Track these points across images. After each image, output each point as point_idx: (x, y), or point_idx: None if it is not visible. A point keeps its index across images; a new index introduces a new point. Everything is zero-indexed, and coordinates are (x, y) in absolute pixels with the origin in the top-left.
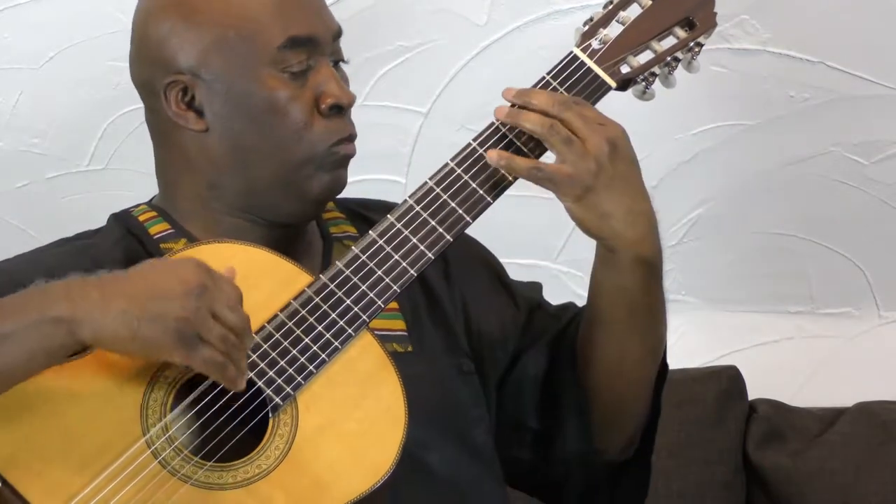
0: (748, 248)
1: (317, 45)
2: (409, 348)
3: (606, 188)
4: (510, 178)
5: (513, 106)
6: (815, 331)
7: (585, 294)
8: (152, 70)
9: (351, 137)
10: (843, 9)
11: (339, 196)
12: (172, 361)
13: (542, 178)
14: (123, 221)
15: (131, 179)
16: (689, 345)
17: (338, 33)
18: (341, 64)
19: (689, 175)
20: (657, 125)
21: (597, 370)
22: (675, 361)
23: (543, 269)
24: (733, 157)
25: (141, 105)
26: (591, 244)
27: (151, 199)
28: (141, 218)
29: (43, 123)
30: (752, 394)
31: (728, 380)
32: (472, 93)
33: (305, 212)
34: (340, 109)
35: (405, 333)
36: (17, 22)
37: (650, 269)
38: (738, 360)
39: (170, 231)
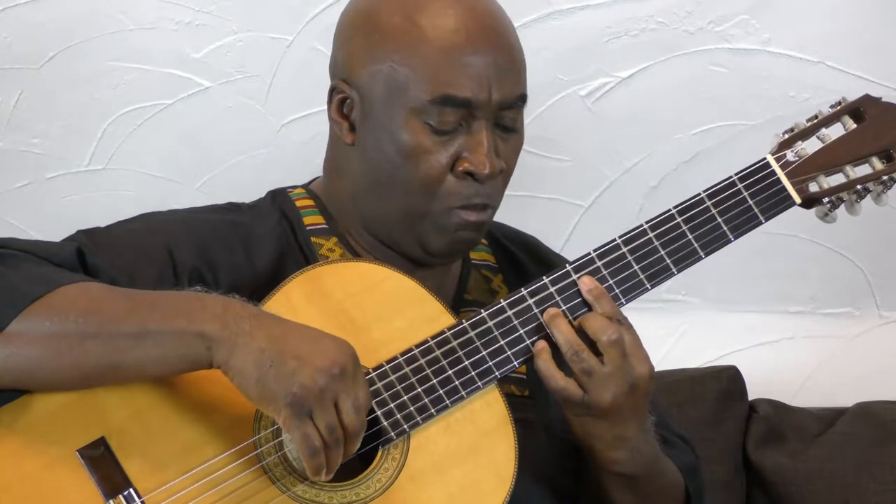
0: (748, 248)
1: (474, 108)
2: (526, 392)
3: (606, 418)
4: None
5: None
6: (815, 331)
7: None
8: (333, 65)
9: (479, 206)
10: (843, 9)
11: None
12: (275, 419)
13: (546, 382)
14: (280, 203)
15: (131, 179)
16: (689, 345)
17: (509, 102)
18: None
19: (689, 175)
20: (657, 125)
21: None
22: (675, 361)
23: None
24: (733, 157)
25: (140, 105)
26: (591, 244)
27: (310, 183)
28: (298, 204)
29: (43, 123)
30: (752, 394)
31: (728, 380)
32: None
33: (427, 259)
34: (475, 177)
35: (524, 377)
36: (17, 22)
37: (627, 479)
38: (738, 360)
39: (323, 226)
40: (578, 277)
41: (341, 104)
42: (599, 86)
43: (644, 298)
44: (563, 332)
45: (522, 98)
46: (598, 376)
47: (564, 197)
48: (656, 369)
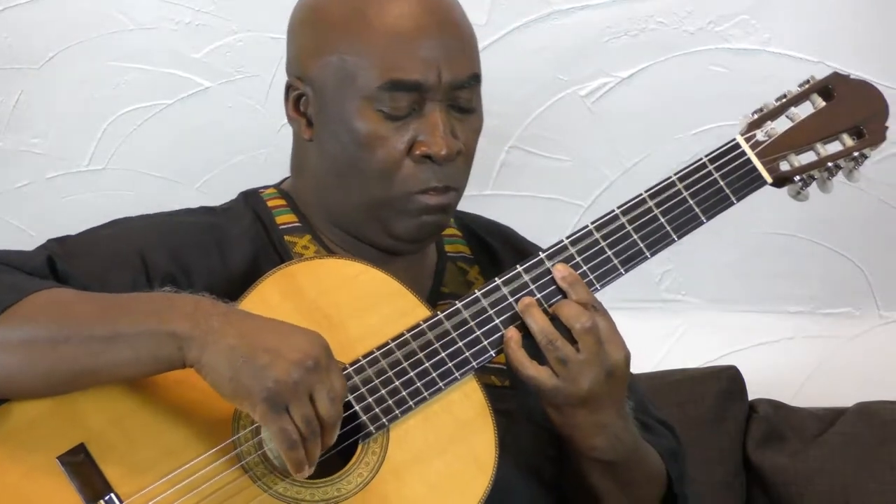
0: (748, 248)
1: (425, 91)
2: (507, 383)
3: (583, 405)
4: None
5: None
6: (815, 331)
7: None
8: (287, 64)
9: (439, 189)
10: (843, 9)
11: (457, 211)
12: (252, 416)
13: (516, 372)
14: (253, 203)
15: (131, 179)
16: (689, 345)
17: (460, 82)
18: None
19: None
20: (657, 125)
21: (581, 499)
22: (675, 361)
23: None
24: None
25: (140, 105)
26: None
27: (281, 183)
28: (270, 204)
29: (43, 123)
30: (752, 394)
31: (728, 380)
32: None
33: (396, 247)
34: (433, 159)
35: (504, 367)
36: (17, 22)
37: (606, 465)
38: (738, 360)
39: (296, 224)
40: (552, 265)
41: (297, 101)
42: (599, 86)
43: (644, 298)
44: (537, 322)
45: (475, 77)
46: (573, 364)
47: (564, 197)
48: (656, 369)
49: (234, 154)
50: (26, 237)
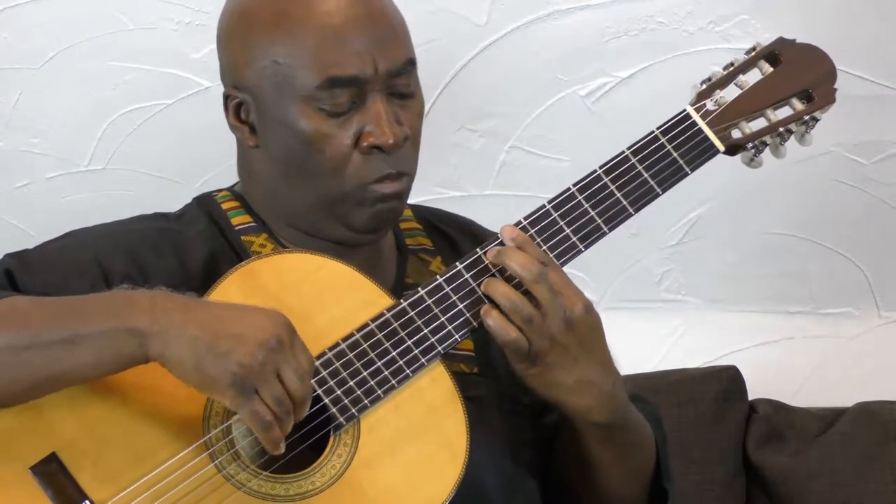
0: (748, 248)
1: (363, 83)
2: (475, 370)
3: (556, 362)
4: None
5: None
6: (815, 331)
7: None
8: (222, 74)
9: (392, 175)
10: (843, 9)
11: (415, 205)
12: (223, 402)
13: (499, 338)
14: (206, 207)
15: (131, 179)
16: (689, 345)
17: (397, 70)
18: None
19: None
20: (657, 125)
21: (574, 475)
22: (675, 361)
23: None
24: (734, 157)
25: (140, 105)
26: None
27: (233, 186)
28: (224, 206)
29: (43, 123)
30: (752, 394)
31: (728, 380)
32: (472, 93)
33: (356, 238)
34: (381, 149)
35: (472, 354)
36: (17, 22)
37: (605, 430)
38: (738, 360)
39: (252, 224)
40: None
41: (237, 109)
42: (599, 86)
43: (644, 298)
44: (499, 289)
45: (411, 62)
46: (536, 319)
47: None
48: (656, 369)
49: (234, 154)
50: (26, 237)
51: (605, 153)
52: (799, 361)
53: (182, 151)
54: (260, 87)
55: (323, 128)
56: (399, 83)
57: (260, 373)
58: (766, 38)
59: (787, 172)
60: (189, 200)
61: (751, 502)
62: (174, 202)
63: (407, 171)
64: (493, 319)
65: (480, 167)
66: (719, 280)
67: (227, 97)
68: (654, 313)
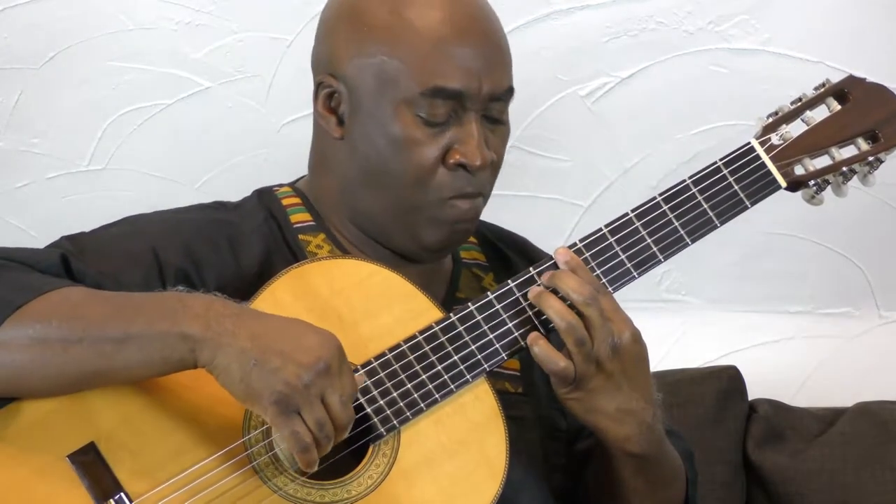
0: (748, 248)
1: (464, 100)
2: (520, 390)
3: (599, 388)
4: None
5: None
6: (815, 331)
7: None
8: (317, 60)
9: (470, 195)
10: (843, 9)
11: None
12: (263, 417)
13: (546, 366)
14: (266, 201)
15: (131, 179)
16: (689, 345)
17: (499, 95)
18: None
19: (688, 175)
20: (657, 125)
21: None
22: (675, 361)
23: None
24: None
25: (140, 105)
26: None
27: (296, 181)
28: (284, 202)
29: (43, 123)
30: (752, 394)
31: (728, 380)
32: None
33: (419, 255)
34: (467, 168)
35: (517, 374)
36: (17, 22)
37: (639, 461)
38: (738, 360)
39: (310, 223)
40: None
41: (328, 98)
42: (599, 86)
43: (644, 298)
44: (553, 306)
45: (510, 90)
46: (586, 346)
47: (564, 197)
48: (656, 369)
49: (234, 154)
50: (26, 237)
51: (605, 153)
52: (799, 361)
53: (182, 151)
54: (359, 81)
55: (416, 134)
56: (495, 108)
57: (305, 394)
58: (765, 38)
59: None
60: (189, 200)
61: (751, 502)
62: (174, 202)
63: (484, 194)
64: (539, 348)
65: None
66: (719, 280)
67: (319, 84)
68: (654, 313)
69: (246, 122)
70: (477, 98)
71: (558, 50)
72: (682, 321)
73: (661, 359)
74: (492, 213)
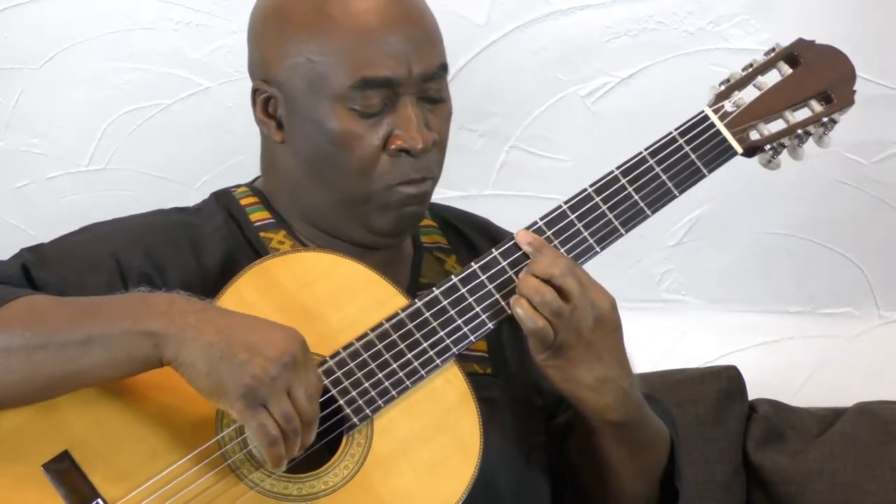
0: (748, 248)
1: (396, 86)
2: (489, 370)
3: (579, 357)
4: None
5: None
6: (815, 331)
7: None
8: (251, 66)
9: (415, 180)
10: (843, 9)
11: (431, 203)
12: (229, 413)
13: (526, 326)
14: (224, 202)
15: (131, 179)
16: (689, 345)
17: (430, 74)
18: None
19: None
20: (657, 125)
21: (586, 474)
22: (675, 361)
23: None
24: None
25: (140, 105)
26: None
27: (254, 181)
28: (243, 202)
29: (43, 123)
30: (752, 394)
31: (728, 380)
32: (472, 93)
33: (376, 241)
34: (409, 153)
35: (486, 355)
36: (17, 22)
37: (620, 428)
38: (738, 360)
39: (270, 220)
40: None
41: (265, 104)
42: (599, 86)
43: (644, 298)
44: (530, 285)
45: (443, 67)
46: (565, 313)
47: (564, 197)
48: (656, 369)
49: (234, 154)
50: (26, 237)
51: (606, 153)
52: (799, 361)
53: (182, 151)
54: (291, 83)
55: (353, 127)
56: (431, 88)
57: (272, 387)
58: (765, 38)
59: (787, 172)
60: (189, 200)
61: (751, 502)
62: (174, 202)
63: (432, 176)
64: (522, 308)
65: (480, 167)
66: (719, 280)
67: (255, 91)
68: (654, 313)
69: (246, 122)
70: (408, 82)
71: (558, 50)
72: (682, 321)
73: (661, 359)
74: (492, 213)
